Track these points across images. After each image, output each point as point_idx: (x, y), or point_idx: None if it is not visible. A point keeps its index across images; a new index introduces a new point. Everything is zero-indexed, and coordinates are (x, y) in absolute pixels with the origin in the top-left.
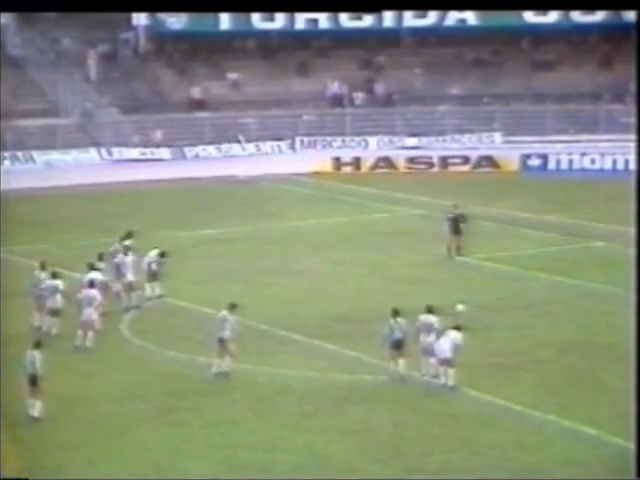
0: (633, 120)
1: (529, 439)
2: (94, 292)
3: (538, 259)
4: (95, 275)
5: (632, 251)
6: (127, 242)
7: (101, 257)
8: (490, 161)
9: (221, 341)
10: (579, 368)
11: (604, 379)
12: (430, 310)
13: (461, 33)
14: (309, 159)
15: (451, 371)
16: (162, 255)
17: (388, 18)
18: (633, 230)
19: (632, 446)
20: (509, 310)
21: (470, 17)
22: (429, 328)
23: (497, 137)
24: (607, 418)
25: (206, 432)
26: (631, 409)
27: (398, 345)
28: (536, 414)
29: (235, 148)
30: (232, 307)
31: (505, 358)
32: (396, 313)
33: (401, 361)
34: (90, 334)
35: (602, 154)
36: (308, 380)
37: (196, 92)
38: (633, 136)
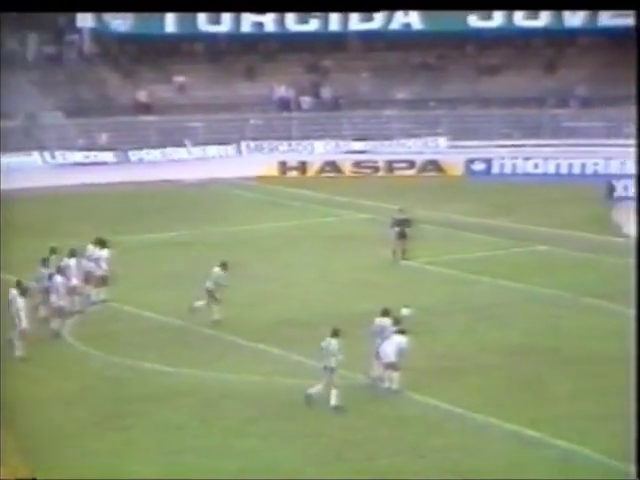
0: (577, 125)
1: (472, 442)
2: (22, 300)
3: (482, 263)
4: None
5: (576, 254)
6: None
7: (45, 262)
8: (435, 165)
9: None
10: (523, 371)
11: (547, 382)
12: (386, 313)
13: (407, 37)
14: (256, 163)
15: (395, 375)
16: (107, 257)
17: (334, 22)
18: (577, 234)
19: (574, 447)
20: (454, 314)
21: (415, 21)
22: (384, 331)
23: (442, 141)
24: (549, 420)
25: (151, 437)
26: (631, 409)
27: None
28: (480, 417)
29: (181, 152)
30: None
31: (450, 362)
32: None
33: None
34: (24, 343)
35: (545, 159)
36: (253, 385)
37: (142, 95)
38: (576, 140)
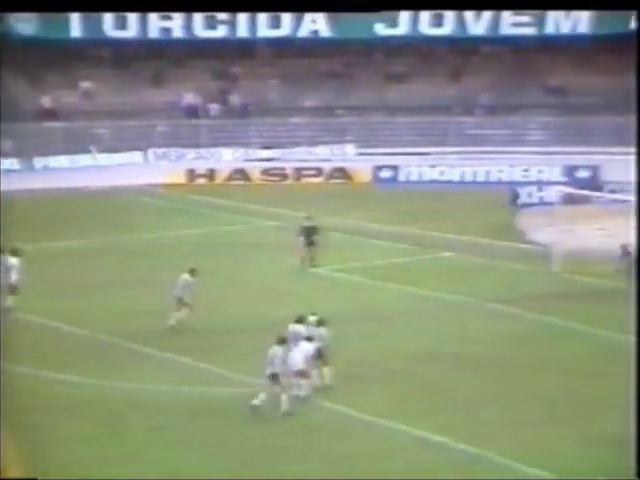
0: (481, 132)
1: (379, 448)
2: None
3: (389, 270)
4: None
5: (480, 260)
6: None
7: None
8: (343, 173)
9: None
10: (429, 377)
11: (453, 387)
12: (300, 320)
13: (315, 45)
14: (163, 171)
15: (304, 382)
16: (17, 265)
17: (242, 28)
18: (482, 240)
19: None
20: (361, 321)
21: (323, 29)
22: (297, 338)
23: (350, 149)
24: (455, 425)
25: (58, 448)
26: (631, 408)
27: (320, 354)
28: (387, 423)
29: (87, 159)
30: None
31: (357, 368)
32: (320, 323)
33: (326, 370)
34: None
35: (451, 166)
36: (160, 393)
37: (47, 101)
38: (480, 148)
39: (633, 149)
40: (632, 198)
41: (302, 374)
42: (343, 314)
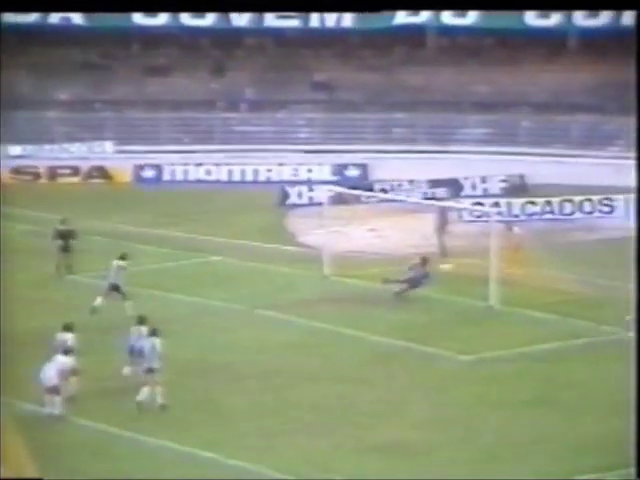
0: (247, 129)
1: (145, 466)
2: None
3: (153, 276)
4: None
5: (250, 264)
6: None
7: None
8: (102, 172)
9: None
10: (196, 390)
11: (221, 400)
12: (67, 328)
13: (67, 33)
14: None
15: (58, 399)
16: None
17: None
18: (251, 243)
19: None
20: (124, 330)
21: (75, 15)
22: (65, 347)
23: (109, 146)
24: (225, 439)
25: None
26: (631, 407)
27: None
28: (151, 440)
29: None
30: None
31: (118, 383)
32: (142, 321)
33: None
34: None
35: (217, 165)
36: None
37: None
38: (248, 146)
39: (403, 146)
40: (403, 197)
41: (55, 390)
42: (103, 324)
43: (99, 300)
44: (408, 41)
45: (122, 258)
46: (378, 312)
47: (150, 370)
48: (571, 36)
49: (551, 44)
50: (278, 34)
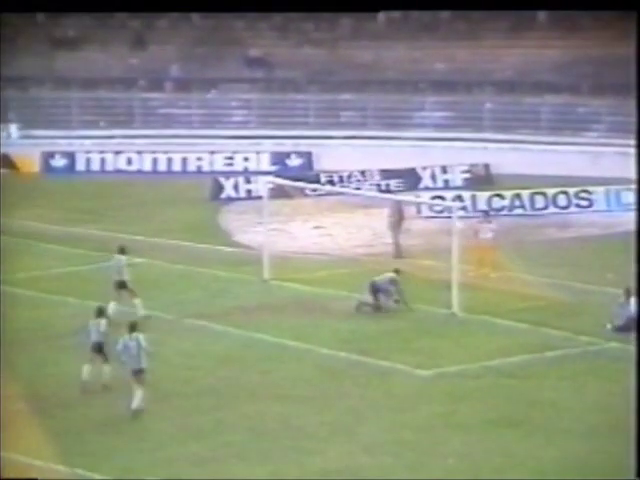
0: (173, 111)
1: None
2: None
3: (65, 280)
4: None
5: (178, 267)
6: None
7: None
8: (5, 160)
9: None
10: (114, 410)
11: (145, 422)
12: (100, 313)
13: None
14: None
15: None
16: None
17: None
18: (179, 243)
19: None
20: (31, 343)
21: None
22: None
23: (13, 130)
24: (149, 467)
25: None
26: (631, 407)
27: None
28: (61, 468)
29: None
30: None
31: (26, 403)
32: (100, 313)
33: (105, 367)
34: None
35: (139, 152)
36: None
37: None
38: (175, 131)
39: (352, 132)
40: (353, 190)
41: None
42: (9, 336)
43: (112, 305)
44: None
45: (122, 252)
46: (325, 321)
47: (139, 371)
48: None
49: (516, 16)
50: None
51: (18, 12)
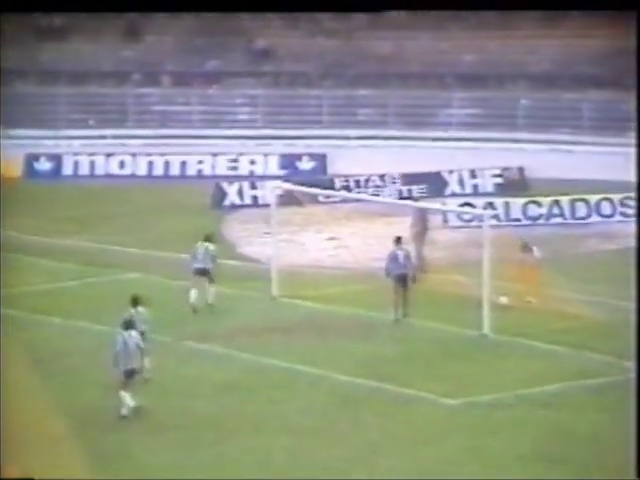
0: (171, 109)
1: None
2: None
3: (51, 297)
4: None
5: (176, 284)
6: None
7: None
8: None
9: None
10: (106, 444)
11: (139, 456)
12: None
13: None
14: None
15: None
16: None
17: None
18: (177, 256)
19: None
20: (12, 368)
21: None
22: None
23: None
24: None
25: None
26: (632, 408)
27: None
28: None
29: None
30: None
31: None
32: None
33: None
34: None
35: (134, 155)
36: None
37: None
38: (173, 131)
39: (370, 132)
40: (371, 197)
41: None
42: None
43: (193, 293)
44: None
45: (208, 239)
46: (340, 343)
47: (133, 372)
48: None
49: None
50: None
51: (18, 12)
